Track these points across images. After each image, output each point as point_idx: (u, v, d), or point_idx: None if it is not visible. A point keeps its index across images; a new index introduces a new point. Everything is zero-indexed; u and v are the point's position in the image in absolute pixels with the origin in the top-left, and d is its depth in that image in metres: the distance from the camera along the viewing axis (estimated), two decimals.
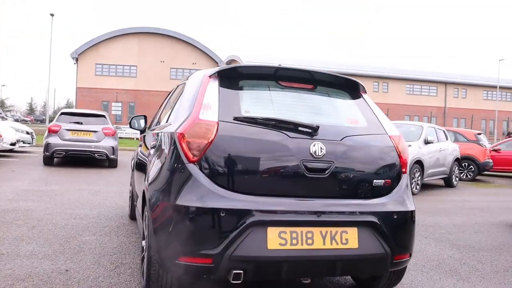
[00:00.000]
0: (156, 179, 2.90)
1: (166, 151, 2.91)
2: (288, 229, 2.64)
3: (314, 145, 2.78)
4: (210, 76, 3.00)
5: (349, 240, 2.75)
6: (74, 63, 41.68)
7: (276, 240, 2.60)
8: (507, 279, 3.93)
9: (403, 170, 3.10)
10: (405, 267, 3.18)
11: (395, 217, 2.92)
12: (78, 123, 11.33)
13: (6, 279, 3.21)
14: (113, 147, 11.45)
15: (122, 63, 41.41)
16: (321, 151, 2.78)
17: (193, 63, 42.47)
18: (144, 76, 41.47)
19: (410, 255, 3.05)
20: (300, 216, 2.69)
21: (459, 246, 5.04)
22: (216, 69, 3.04)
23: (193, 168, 2.66)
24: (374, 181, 2.95)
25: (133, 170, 5.24)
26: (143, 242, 3.21)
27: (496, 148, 15.74)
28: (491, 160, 13.99)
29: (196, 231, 2.57)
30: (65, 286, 3.14)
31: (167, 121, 3.44)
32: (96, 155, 11.24)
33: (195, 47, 42.62)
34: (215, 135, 2.67)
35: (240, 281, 2.61)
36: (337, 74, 3.29)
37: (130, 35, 41.34)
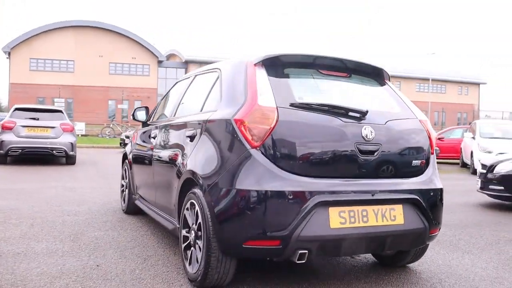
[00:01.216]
0: (213, 166, 2.87)
1: (221, 138, 2.91)
2: (346, 208, 2.77)
3: (365, 129, 2.92)
4: (255, 64, 3.04)
5: (396, 216, 2.92)
6: (7, 58, 39.15)
7: (337, 219, 2.72)
8: (502, 249, 4.27)
9: (431, 151, 3.31)
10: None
11: (431, 194, 3.13)
12: (34, 119, 10.75)
13: (42, 278, 3.05)
14: (72, 143, 10.98)
15: (59, 58, 39.37)
16: (371, 134, 2.92)
17: (132, 58, 41.33)
18: (82, 71, 39.72)
19: (439, 230, 3.27)
20: (357, 196, 2.83)
21: (446, 225, 5.37)
22: (260, 57, 3.08)
23: (257, 153, 2.69)
24: (413, 161, 3.15)
25: (131, 164, 5.09)
26: (184, 231, 3.18)
27: (439, 137, 16.76)
28: (438, 148, 14.88)
29: (265, 214, 2.62)
30: (106, 281, 3.04)
31: (201, 110, 3.41)
32: (54, 152, 10.72)
33: (135, 41, 41.41)
34: (276, 120, 2.72)
35: (304, 261, 2.70)
36: (367, 62, 3.43)
37: (66, 29, 39.37)
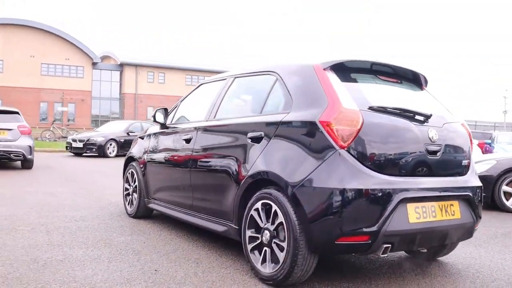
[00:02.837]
0: (296, 166, 2.92)
1: (303, 139, 2.97)
2: (420, 205, 2.96)
3: (430, 131, 3.14)
4: (324, 69, 3.16)
5: (455, 212, 3.16)
6: None
7: (414, 214, 2.90)
8: (506, 243, 4.62)
9: (471, 152, 3.58)
10: None
11: (477, 191, 3.40)
12: None
13: (110, 285, 2.90)
14: (30, 147, 10.32)
15: None
16: (436, 136, 3.15)
17: (66, 59, 39.41)
18: (11, 71, 37.18)
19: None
20: (428, 193, 3.04)
21: None
22: (329, 62, 3.22)
23: (345, 154, 2.81)
24: (463, 161, 3.40)
25: (144, 168, 4.90)
26: (249, 232, 3.18)
27: None
28: None
29: (356, 211, 2.74)
30: (179, 285, 2.95)
31: (261, 112, 3.44)
32: (12, 155, 10.03)
33: (68, 41, 39.53)
34: (362, 122, 2.86)
35: (386, 255, 2.86)
36: (412, 69, 3.64)
37: None
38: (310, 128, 2.94)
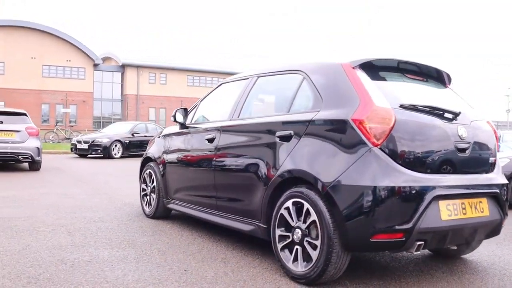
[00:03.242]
0: (329, 164, 2.92)
1: (335, 137, 2.96)
2: (451, 202, 2.95)
3: (460, 129, 3.14)
4: (353, 67, 3.17)
5: (484, 209, 3.15)
6: None
7: (446, 212, 2.89)
8: None
9: (498, 150, 3.58)
10: None
11: (504, 188, 3.39)
12: None
13: (143, 285, 2.88)
14: (38, 148, 10.30)
15: None
16: (465, 133, 3.15)
17: (67, 60, 39.40)
18: (13, 73, 37.17)
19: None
20: (459, 190, 3.02)
21: None
22: (358, 60, 3.23)
23: (379, 152, 2.81)
24: (490, 158, 3.38)
25: (164, 168, 4.89)
26: (279, 231, 3.17)
27: None
28: None
29: (391, 208, 2.74)
30: (211, 284, 2.93)
31: (288, 111, 3.43)
32: (20, 157, 10.00)
33: (69, 43, 39.50)
34: (395, 120, 2.85)
35: (419, 252, 2.86)
36: (436, 67, 3.63)
37: None
38: (343, 126, 2.93)
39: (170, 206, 4.82)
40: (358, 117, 2.87)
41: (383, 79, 3.28)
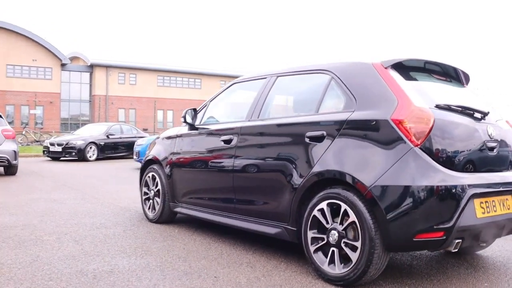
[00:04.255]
0: (369, 165, 2.87)
1: (374, 137, 2.91)
2: (484, 200, 2.96)
3: (489, 128, 3.17)
4: (385, 68, 3.15)
5: (510, 206, 3.17)
6: None
7: (480, 209, 2.90)
8: None
9: None
10: None
11: None
12: None
13: None
14: (15, 152, 9.86)
15: None
16: (493, 132, 3.18)
17: (33, 60, 38.03)
18: None
19: None
20: (490, 188, 3.03)
21: None
22: (390, 61, 3.21)
23: (419, 151, 2.79)
24: (510, 156, 3.40)
25: (171, 170, 4.69)
26: (311, 233, 3.09)
27: None
28: None
29: (434, 208, 2.72)
30: None
31: (317, 111, 3.36)
32: None
33: (35, 41, 38.09)
34: (434, 120, 2.84)
35: (456, 250, 2.84)
36: (456, 66, 3.63)
37: None
38: (382, 126, 2.89)
39: (178, 210, 4.65)
40: (398, 117, 2.83)
41: (414, 79, 3.26)
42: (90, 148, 16.35)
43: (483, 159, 3.10)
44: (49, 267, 3.24)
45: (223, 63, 47.57)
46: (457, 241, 2.80)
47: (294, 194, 3.25)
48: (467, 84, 3.78)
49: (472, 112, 3.17)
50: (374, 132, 2.92)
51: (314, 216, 3.09)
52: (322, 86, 3.40)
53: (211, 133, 4.25)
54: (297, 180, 3.24)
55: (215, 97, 4.55)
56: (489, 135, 3.15)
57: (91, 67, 41.41)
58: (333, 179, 3.03)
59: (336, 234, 2.96)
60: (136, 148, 13.31)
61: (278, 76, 3.84)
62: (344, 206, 2.91)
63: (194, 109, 4.52)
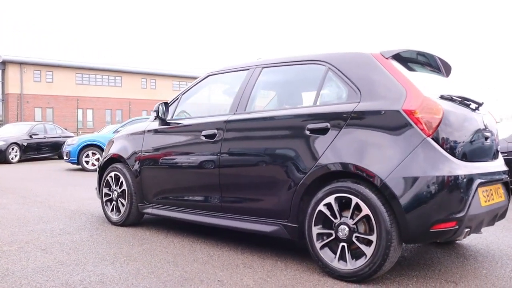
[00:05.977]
0: (382, 156, 2.82)
1: (385, 128, 2.87)
2: (485, 188, 3.03)
3: (484, 118, 3.27)
4: (387, 58, 3.13)
5: (502, 194, 3.30)
6: None
7: (483, 198, 2.97)
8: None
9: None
10: None
11: (507, 174, 3.57)
12: None
13: None
14: None
15: None
16: (488, 123, 3.28)
17: None
18: None
19: None
20: (491, 177, 3.12)
21: None
22: (390, 51, 3.19)
23: (432, 142, 2.79)
24: (498, 146, 3.54)
25: (139, 169, 4.35)
26: (316, 229, 3.00)
27: None
28: None
29: (449, 197, 2.73)
30: None
31: (315, 103, 3.26)
32: None
33: None
34: (443, 110, 2.85)
35: (464, 238, 2.92)
36: (442, 57, 3.70)
37: None
38: (393, 117, 2.84)
39: (148, 211, 4.34)
40: (410, 108, 2.81)
41: (413, 70, 3.26)
42: (12, 149, 15.12)
43: (481, 149, 3.18)
44: (27, 281, 2.85)
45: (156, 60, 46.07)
46: (466, 230, 2.83)
47: (295, 189, 3.12)
48: (448, 75, 3.87)
49: (469, 102, 3.23)
50: (385, 123, 2.87)
51: (320, 211, 2.99)
52: (318, 77, 3.30)
53: (188, 128, 4.00)
54: (298, 174, 3.12)
55: (187, 90, 4.28)
56: (484, 125, 3.23)
57: (4, 64, 38.39)
58: (340, 172, 2.95)
59: (347, 229, 2.87)
60: (67, 148, 12.49)
61: (263, 67, 3.69)
62: (355, 200, 2.83)
63: (166, 103, 4.23)
